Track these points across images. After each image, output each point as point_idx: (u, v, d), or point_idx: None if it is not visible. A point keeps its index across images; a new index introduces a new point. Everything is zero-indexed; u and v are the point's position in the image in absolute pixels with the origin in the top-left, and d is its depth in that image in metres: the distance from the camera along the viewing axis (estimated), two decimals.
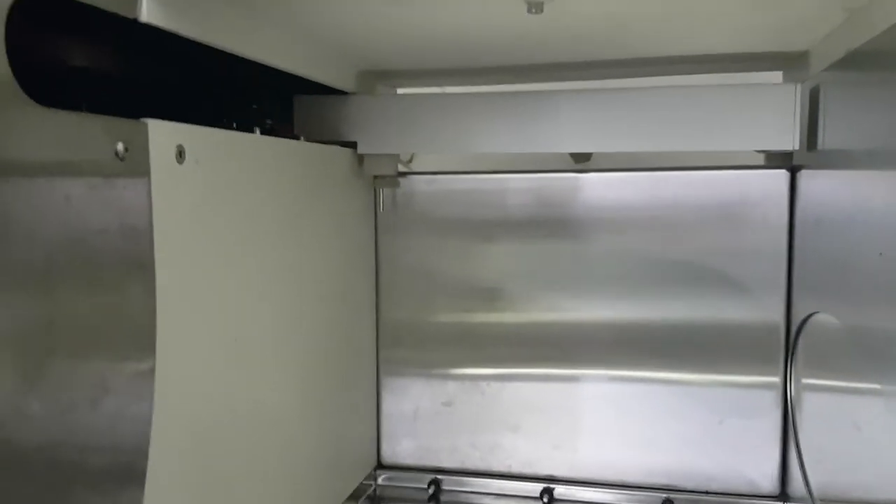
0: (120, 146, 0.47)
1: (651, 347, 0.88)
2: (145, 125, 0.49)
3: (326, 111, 0.85)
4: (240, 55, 0.62)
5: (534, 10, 0.52)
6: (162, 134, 0.51)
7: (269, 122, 0.85)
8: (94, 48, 0.57)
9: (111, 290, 0.47)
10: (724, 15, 0.63)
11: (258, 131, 0.85)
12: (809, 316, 0.78)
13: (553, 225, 0.90)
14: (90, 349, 0.45)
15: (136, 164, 0.48)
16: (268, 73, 0.71)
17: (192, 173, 0.55)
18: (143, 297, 0.50)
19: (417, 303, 0.94)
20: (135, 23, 0.50)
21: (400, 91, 1.00)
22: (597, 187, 0.89)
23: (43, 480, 0.42)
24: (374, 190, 0.93)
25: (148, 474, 0.49)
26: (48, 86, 0.42)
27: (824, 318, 0.73)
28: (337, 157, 0.84)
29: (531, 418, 0.92)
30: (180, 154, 0.53)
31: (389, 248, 0.94)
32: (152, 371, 0.50)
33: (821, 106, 0.73)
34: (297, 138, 0.85)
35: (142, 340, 0.50)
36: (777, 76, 0.88)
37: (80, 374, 0.44)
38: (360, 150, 0.86)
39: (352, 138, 0.86)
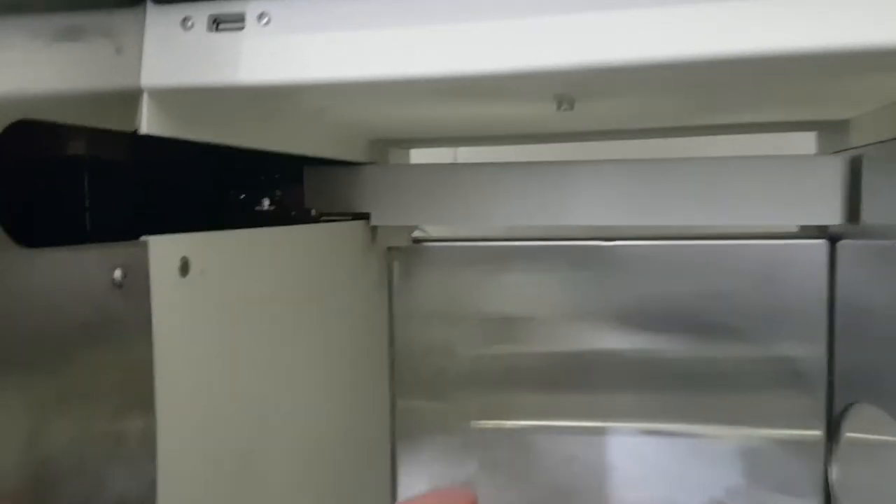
0: (118, 273, 0.43)
1: (679, 400, 0.84)
2: (145, 245, 0.45)
3: (338, 182, 0.81)
4: (247, 148, 0.58)
5: (565, 107, 0.48)
6: (163, 250, 0.47)
7: (278, 192, 0.81)
8: (89, 140, 0.53)
9: (111, 418, 0.43)
10: (762, 100, 0.59)
11: (267, 202, 0.82)
12: (851, 404, 0.74)
13: (579, 293, 0.86)
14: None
15: (135, 288, 0.44)
16: None
17: (196, 285, 0.50)
18: (144, 419, 0.46)
19: (433, 375, 0.90)
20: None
21: (413, 153, 0.96)
22: (626, 257, 0.85)
23: None
24: (389, 261, 0.89)
25: None
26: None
27: (867, 401, 0.70)
28: (350, 233, 0.80)
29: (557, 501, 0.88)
30: (184, 267, 0.49)
31: (404, 317, 0.90)
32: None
33: (864, 178, 0.69)
34: (309, 210, 0.82)
35: (142, 459, 0.46)
36: (810, 137, 0.84)
37: None
38: (374, 221, 0.81)
39: (365, 209, 0.81)
